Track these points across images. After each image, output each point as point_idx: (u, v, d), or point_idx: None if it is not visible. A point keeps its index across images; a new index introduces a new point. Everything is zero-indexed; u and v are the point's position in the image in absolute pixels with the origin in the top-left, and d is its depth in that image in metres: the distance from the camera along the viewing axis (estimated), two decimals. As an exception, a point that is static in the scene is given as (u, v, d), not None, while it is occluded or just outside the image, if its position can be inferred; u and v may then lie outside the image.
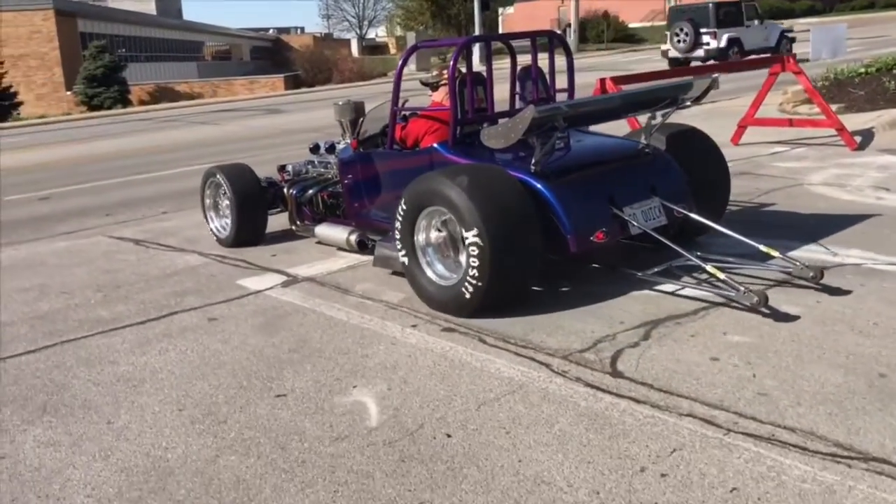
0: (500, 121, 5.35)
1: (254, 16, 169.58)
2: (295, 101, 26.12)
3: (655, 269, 4.78)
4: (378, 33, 72.61)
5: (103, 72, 33.87)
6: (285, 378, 3.99)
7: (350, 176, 6.01)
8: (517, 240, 4.42)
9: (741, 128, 9.77)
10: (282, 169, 6.94)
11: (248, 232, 6.68)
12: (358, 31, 65.07)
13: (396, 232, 4.91)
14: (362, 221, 5.99)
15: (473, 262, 4.41)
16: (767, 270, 4.88)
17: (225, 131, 17.72)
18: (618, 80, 7.67)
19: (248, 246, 6.67)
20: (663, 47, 27.72)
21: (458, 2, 41.87)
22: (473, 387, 3.71)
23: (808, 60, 13.82)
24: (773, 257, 4.77)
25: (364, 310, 4.91)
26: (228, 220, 6.73)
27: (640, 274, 4.76)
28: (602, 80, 7.62)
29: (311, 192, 6.49)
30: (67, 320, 5.20)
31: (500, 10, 40.30)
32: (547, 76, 5.87)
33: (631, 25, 48.71)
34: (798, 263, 4.64)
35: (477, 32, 37.70)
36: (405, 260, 4.89)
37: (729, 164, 5.85)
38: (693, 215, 5.03)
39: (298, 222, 6.62)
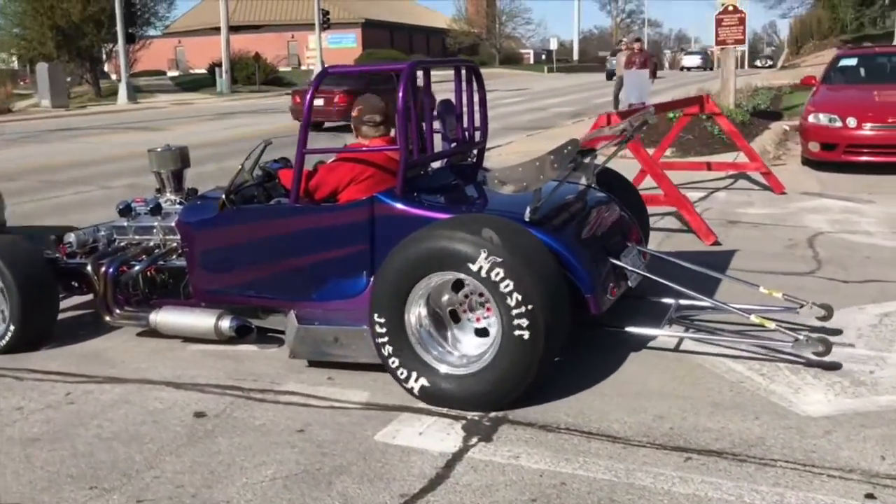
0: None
1: None
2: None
3: (665, 323, 4.26)
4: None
5: None
6: None
7: (210, 242, 4.61)
8: (558, 310, 3.51)
9: (644, 172, 9.03)
10: (59, 240, 5.07)
11: (37, 327, 4.69)
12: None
13: (376, 313, 3.72)
14: (226, 300, 4.56)
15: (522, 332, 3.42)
16: (769, 312, 4.28)
17: None
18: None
19: (29, 350, 4.57)
20: None
21: (90, 32, 36.62)
22: None
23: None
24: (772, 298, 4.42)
25: (718, 473, 2.96)
26: None
27: (651, 331, 4.16)
28: (608, 115, 6.41)
29: (137, 267, 4.85)
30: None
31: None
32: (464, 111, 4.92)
33: (281, 69, 47.04)
34: (806, 302, 4.26)
35: (122, 65, 33.57)
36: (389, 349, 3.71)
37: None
38: (672, 258, 4.79)
39: (118, 310, 4.76)
